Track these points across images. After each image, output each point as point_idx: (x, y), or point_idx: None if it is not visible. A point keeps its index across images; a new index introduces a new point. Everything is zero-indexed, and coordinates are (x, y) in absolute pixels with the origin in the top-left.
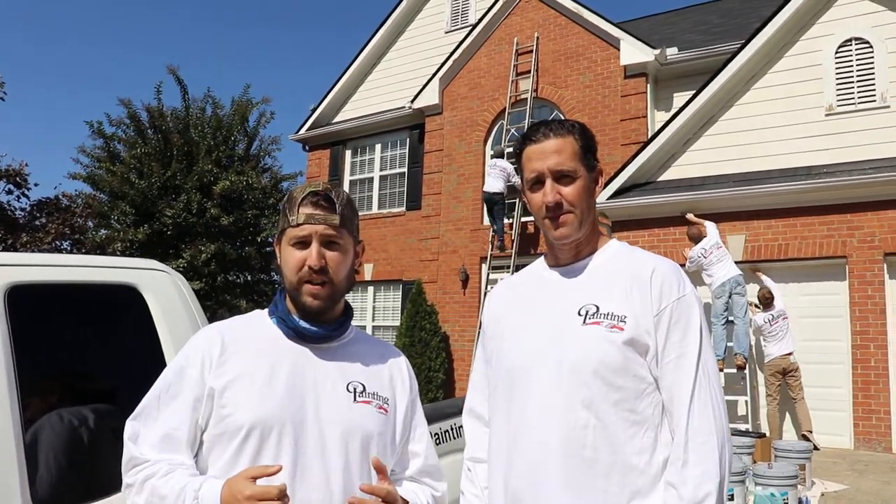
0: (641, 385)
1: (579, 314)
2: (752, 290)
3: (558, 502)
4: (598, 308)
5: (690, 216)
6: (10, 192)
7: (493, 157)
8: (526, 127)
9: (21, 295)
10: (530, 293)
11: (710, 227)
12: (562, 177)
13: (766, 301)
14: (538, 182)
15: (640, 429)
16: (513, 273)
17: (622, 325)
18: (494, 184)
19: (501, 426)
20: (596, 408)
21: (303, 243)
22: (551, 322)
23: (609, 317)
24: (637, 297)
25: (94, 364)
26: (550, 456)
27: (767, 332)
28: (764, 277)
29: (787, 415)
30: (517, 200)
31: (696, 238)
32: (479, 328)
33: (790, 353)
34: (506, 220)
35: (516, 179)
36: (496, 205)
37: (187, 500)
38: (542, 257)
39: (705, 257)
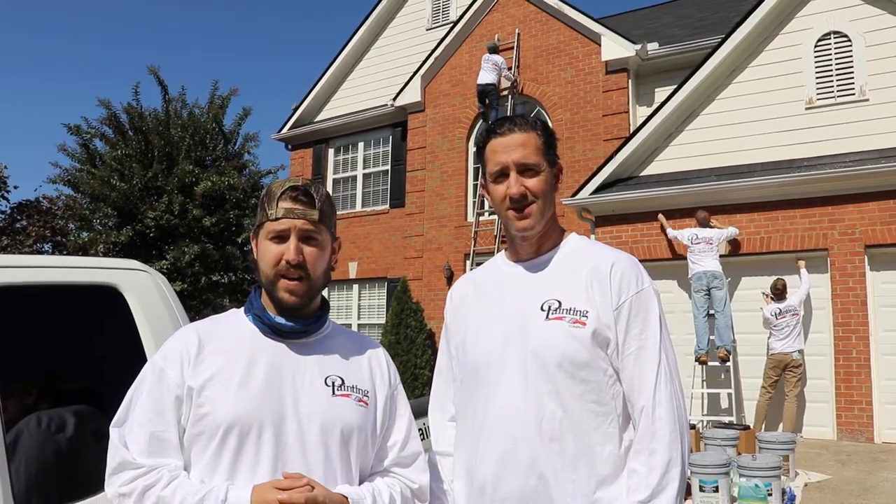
0: (604, 377)
1: (542, 309)
2: (795, 281)
3: (527, 492)
4: (560, 303)
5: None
6: None
7: (488, 51)
8: None
9: (0, 297)
10: (493, 288)
11: (713, 232)
12: (526, 170)
13: (777, 292)
14: (502, 174)
15: (605, 419)
16: None
17: (584, 319)
18: (487, 76)
19: (469, 420)
20: (562, 400)
21: (281, 238)
22: (515, 317)
23: (571, 312)
24: (597, 291)
25: (76, 365)
26: (519, 447)
27: (773, 326)
28: (802, 271)
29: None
30: (510, 91)
31: (703, 222)
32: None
33: (793, 352)
34: (500, 110)
35: (506, 72)
36: (489, 95)
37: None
38: (503, 252)
39: (693, 243)
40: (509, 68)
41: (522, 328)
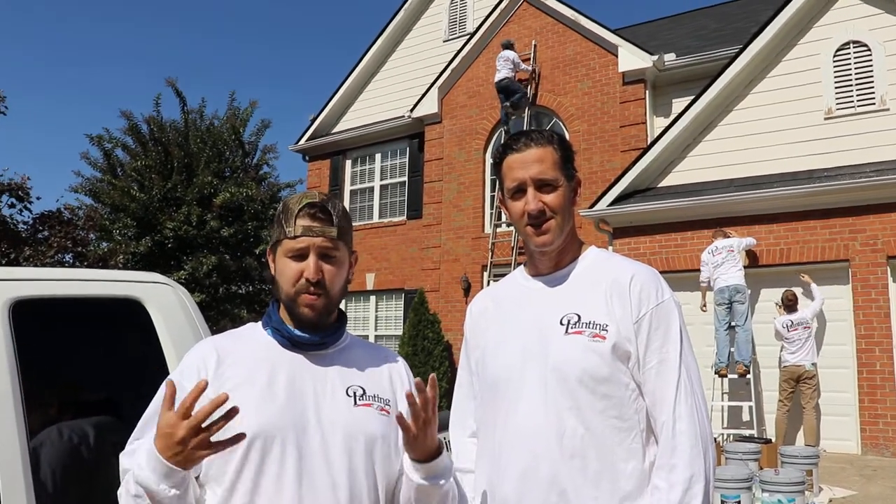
0: (626, 392)
1: (561, 323)
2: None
3: None
4: (579, 317)
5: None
6: (12, 206)
7: (502, 49)
8: None
9: (25, 310)
10: (512, 303)
11: (732, 240)
12: (543, 185)
13: (789, 304)
14: (519, 191)
15: (627, 435)
16: None
17: (604, 333)
18: (501, 73)
19: (489, 436)
20: (583, 416)
21: (300, 256)
22: (534, 332)
23: (591, 325)
24: (617, 304)
25: (100, 378)
26: (540, 464)
27: (784, 338)
28: (813, 286)
29: (798, 421)
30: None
31: (720, 234)
32: (463, 338)
33: (805, 364)
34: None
35: (522, 65)
36: (506, 88)
37: (131, 482)
38: (522, 267)
39: (712, 255)
40: (524, 60)
41: (542, 343)
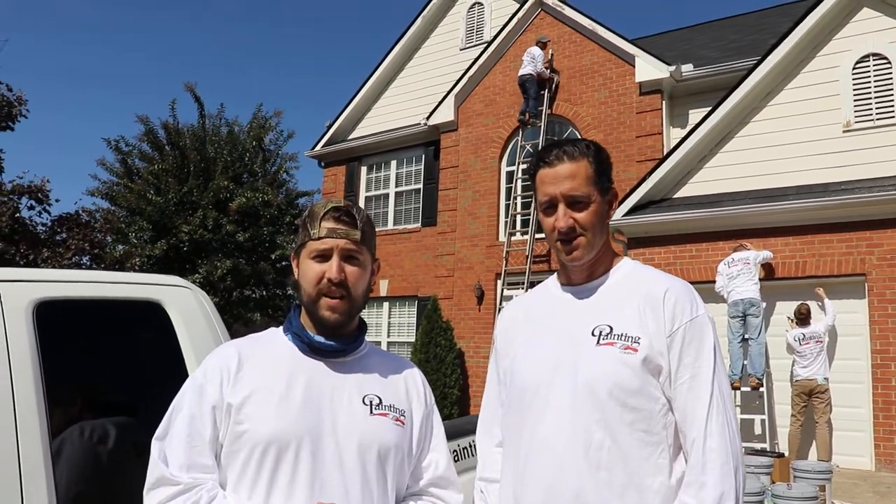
0: (656, 406)
1: (593, 334)
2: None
3: None
4: (611, 328)
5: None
6: (31, 208)
7: (535, 43)
8: (541, 144)
9: (49, 310)
10: (543, 312)
11: (749, 252)
12: (574, 203)
13: (801, 317)
14: (551, 206)
15: (654, 449)
16: (527, 289)
17: (636, 346)
18: (524, 69)
19: (514, 446)
20: (611, 428)
21: (323, 257)
22: (565, 342)
23: (623, 338)
24: (650, 317)
25: (120, 379)
26: (566, 476)
27: (796, 351)
28: (826, 301)
29: (811, 436)
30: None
31: (738, 248)
32: (492, 347)
33: (818, 377)
34: (539, 105)
35: (539, 66)
36: (526, 83)
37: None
38: (555, 275)
39: (728, 266)
40: (546, 67)
41: (572, 354)
